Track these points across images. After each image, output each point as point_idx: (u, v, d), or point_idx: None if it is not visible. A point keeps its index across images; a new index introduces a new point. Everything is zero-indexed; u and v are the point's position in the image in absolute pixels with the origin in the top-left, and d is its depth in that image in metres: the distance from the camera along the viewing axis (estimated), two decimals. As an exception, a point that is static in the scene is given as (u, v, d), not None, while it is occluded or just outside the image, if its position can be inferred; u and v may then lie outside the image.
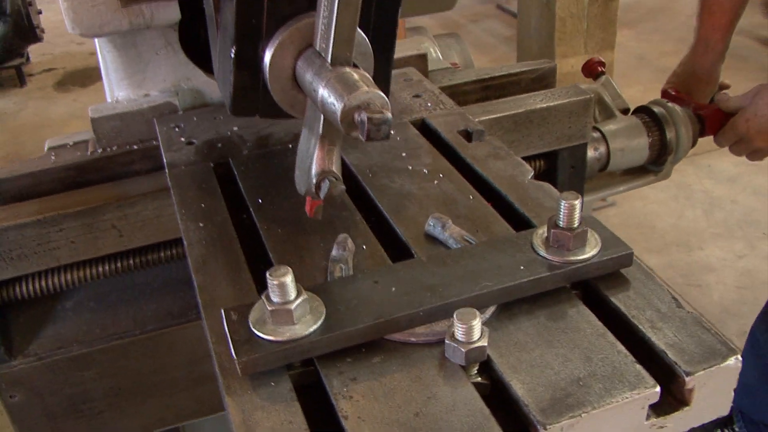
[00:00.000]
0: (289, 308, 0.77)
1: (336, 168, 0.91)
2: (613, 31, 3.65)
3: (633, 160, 1.67)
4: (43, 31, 5.29)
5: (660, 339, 0.79)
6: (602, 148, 1.64)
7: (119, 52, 1.35)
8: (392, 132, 0.79)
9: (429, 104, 1.34)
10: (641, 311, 0.83)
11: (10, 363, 1.36)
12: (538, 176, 1.61)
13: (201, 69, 1.43)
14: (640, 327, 0.81)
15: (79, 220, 1.26)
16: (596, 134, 1.65)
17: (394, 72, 1.43)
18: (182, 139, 1.27)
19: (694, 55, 1.83)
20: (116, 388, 1.46)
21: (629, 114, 1.73)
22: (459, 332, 0.76)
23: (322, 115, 0.88)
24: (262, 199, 1.08)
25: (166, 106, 1.39)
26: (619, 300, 0.85)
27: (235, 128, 1.29)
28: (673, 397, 0.77)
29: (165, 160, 1.21)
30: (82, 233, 1.27)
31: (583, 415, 0.71)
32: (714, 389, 0.77)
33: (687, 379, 0.75)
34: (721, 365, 0.76)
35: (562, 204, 0.85)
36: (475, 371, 0.79)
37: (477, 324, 0.75)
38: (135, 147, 1.38)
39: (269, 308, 0.77)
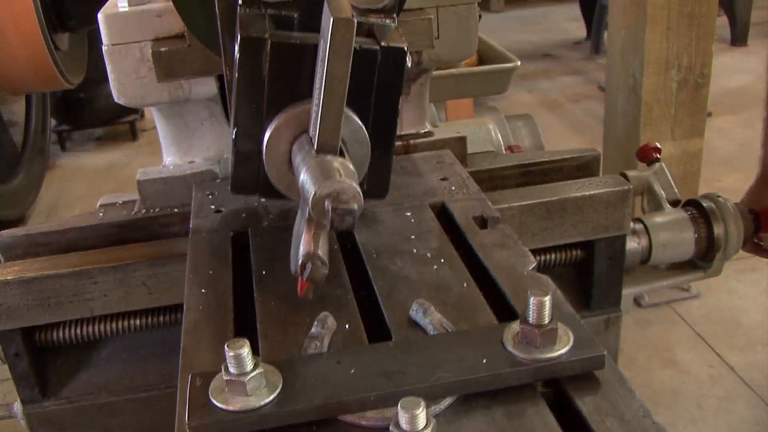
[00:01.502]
0: (243, 380, 0.80)
1: (322, 252, 0.93)
2: (702, 118, 3.55)
3: (677, 254, 1.61)
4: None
5: (614, 450, 0.76)
6: (644, 241, 1.60)
7: (167, 121, 1.45)
8: (356, 219, 0.84)
9: (453, 188, 1.35)
10: (603, 416, 0.80)
11: (42, 403, 1.44)
12: (574, 265, 1.59)
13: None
14: (597, 434, 0.78)
15: (111, 275, 1.34)
16: (638, 225, 1.61)
17: (428, 153, 1.47)
18: (212, 206, 1.34)
19: (760, 186, 1.76)
20: (139, 439, 1.51)
21: (679, 206, 1.68)
22: (402, 421, 0.76)
23: None
24: (266, 271, 1.12)
25: (208, 173, 1.47)
26: (583, 403, 0.83)
27: (263, 200, 1.35)
28: None
29: (191, 226, 1.28)
30: (114, 287, 1.36)
31: None
32: None
33: (636, 497, 0.72)
34: (674, 485, 0.72)
35: (531, 300, 0.84)
36: (420, 463, 0.78)
37: (421, 414, 0.75)
38: (176, 210, 1.47)
39: (225, 378, 0.80)
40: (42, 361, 1.46)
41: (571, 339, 0.86)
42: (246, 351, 0.80)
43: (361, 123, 0.99)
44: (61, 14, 4.23)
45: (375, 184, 1.06)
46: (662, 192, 1.72)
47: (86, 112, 5.81)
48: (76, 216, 1.50)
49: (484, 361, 0.84)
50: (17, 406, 1.49)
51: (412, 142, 1.55)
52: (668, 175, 1.77)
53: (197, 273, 1.13)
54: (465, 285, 1.05)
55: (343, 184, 0.84)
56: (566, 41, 8.13)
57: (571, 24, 8.45)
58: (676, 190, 1.74)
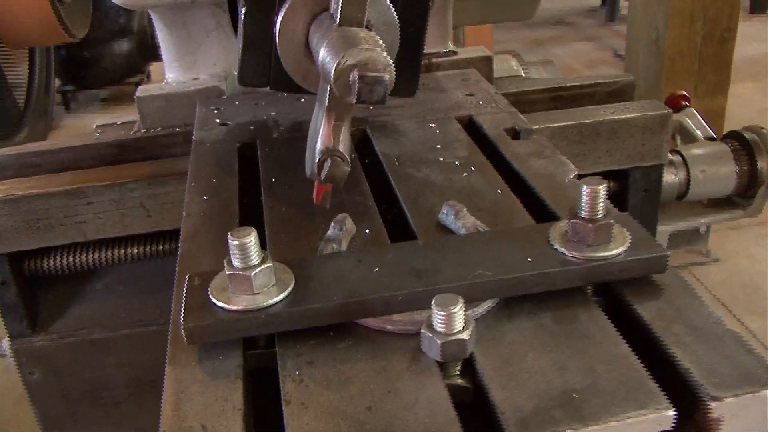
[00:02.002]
0: (249, 274, 0.68)
1: (343, 147, 0.81)
2: (727, 75, 3.40)
3: (717, 189, 1.49)
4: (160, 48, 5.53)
5: (686, 356, 0.64)
6: (682, 174, 1.47)
7: (170, 31, 1.33)
8: (388, 95, 0.70)
9: (481, 102, 1.23)
10: (669, 323, 0.68)
11: (31, 338, 1.34)
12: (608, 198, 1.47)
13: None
14: (664, 340, 0.66)
15: (106, 195, 1.23)
16: (676, 157, 1.48)
17: (452, 72, 1.34)
18: (217, 120, 1.22)
19: None
20: (137, 379, 1.41)
21: (718, 140, 1.56)
22: (437, 321, 0.64)
23: (329, 86, 0.79)
24: (276, 179, 1.01)
25: (213, 90, 1.35)
26: (644, 309, 0.71)
27: (273, 113, 1.23)
28: (696, 428, 0.62)
29: (194, 138, 1.16)
30: (109, 209, 1.24)
31: (569, 431, 0.58)
32: (748, 423, 0.61)
33: (713, 405, 0.60)
34: (760, 394, 0.60)
35: (583, 190, 0.73)
36: (457, 371, 0.67)
37: (459, 312, 0.64)
38: (178, 129, 1.35)
39: (228, 273, 0.69)
40: (32, 292, 1.36)
41: (628, 238, 0.74)
42: (252, 240, 0.68)
43: (389, 4, 0.86)
44: (65, -34, 4.10)
45: (402, 80, 0.94)
46: (697, 131, 1.59)
47: (91, 72, 5.67)
48: (70, 136, 1.39)
49: (529, 260, 0.72)
50: (5, 344, 1.38)
51: (434, 60, 1.42)
52: (699, 117, 1.65)
53: (199, 181, 1.02)
54: (499, 191, 0.93)
55: (372, 52, 0.71)
56: (581, 8, 7.93)
57: (587, -9, 8.24)
58: (709, 128, 1.62)
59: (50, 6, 3.71)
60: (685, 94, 1.63)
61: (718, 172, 1.48)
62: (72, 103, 5.99)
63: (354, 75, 0.70)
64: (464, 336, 0.64)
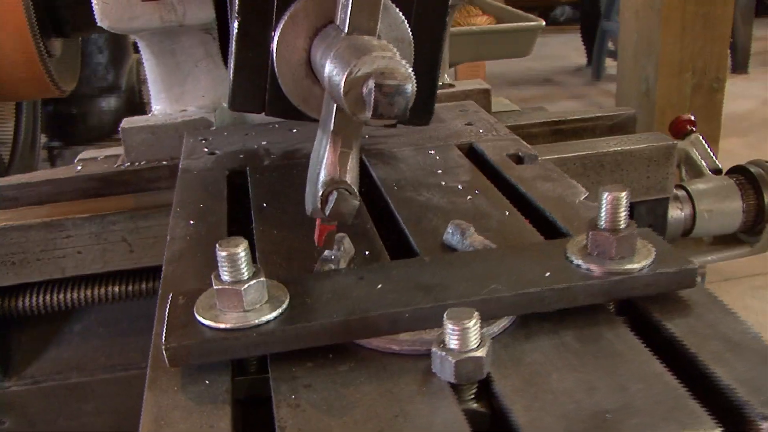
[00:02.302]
0: (239, 289, 0.61)
1: (351, 178, 0.71)
2: (717, 125, 3.41)
3: (723, 226, 1.44)
4: (148, 104, 5.53)
5: (727, 373, 0.58)
6: (687, 209, 1.43)
7: (157, 61, 1.29)
8: (408, 111, 0.62)
9: (481, 131, 1.19)
10: (704, 339, 0.62)
11: (2, 384, 1.25)
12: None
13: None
14: (701, 358, 0.60)
15: (86, 228, 1.16)
16: (681, 192, 1.44)
17: (449, 104, 1.30)
18: (205, 149, 1.17)
19: None
20: (116, 427, 1.32)
21: (722, 174, 1.52)
22: (450, 337, 0.57)
23: (335, 106, 0.70)
24: (267, 203, 0.95)
25: (201, 122, 1.30)
26: (674, 325, 0.64)
27: (264, 143, 1.18)
28: (743, 452, 0.55)
29: (180, 166, 1.10)
30: (89, 243, 1.17)
31: (604, 456, 0.50)
32: (802, 448, 0.54)
33: (764, 426, 0.53)
34: (814, 414, 0.54)
35: (604, 198, 0.67)
36: (472, 395, 0.60)
37: (474, 327, 0.57)
38: (164, 163, 1.29)
39: (216, 288, 0.62)
40: (4, 334, 1.27)
41: (653, 251, 0.68)
42: (243, 251, 0.62)
43: (402, 17, 0.80)
44: (54, 19, 4.10)
45: (416, 106, 0.86)
46: (702, 161, 1.56)
47: (78, 128, 5.64)
48: (50, 169, 1.33)
49: (547, 275, 0.66)
50: (-24, 390, 1.29)
51: (430, 93, 1.38)
52: (705, 145, 1.61)
53: (185, 206, 0.95)
54: (506, 213, 0.88)
55: (389, 60, 0.61)
56: (567, 68, 8.04)
57: (571, 52, 8.37)
58: (715, 159, 1.58)
59: (39, 59, 3.70)
60: (691, 117, 1.59)
61: (724, 208, 1.43)
62: (58, 159, 5.94)
63: (369, 85, 0.61)
64: (480, 353, 0.57)
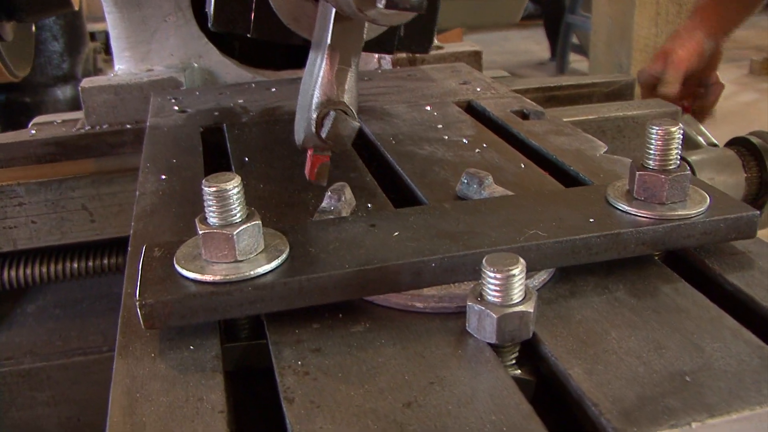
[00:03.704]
0: (230, 233, 0.50)
1: (349, 99, 0.63)
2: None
3: (727, 197, 1.37)
4: (108, 93, 5.33)
5: (814, 329, 0.49)
6: (689, 180, 1.35)
7: (121, 14, 1.16)
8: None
9: (478, 89, 1.09)
10: (775, 292, 0.53)
11: (-53, 370, 1.11)
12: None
13: (216, 47, 1.23)
14: (779, 312, 0.51)
15: (42, 195, 1.04)
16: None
17: (440, 65, 1.21)
18: (175, 108, 1.05)
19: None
20: (75, 419, 1.19)
21: (722, 146, 1.44)
22: (489, 287, 0.47)
23: (332, 16, 0.62)
24: (249, 158, 0.84)
25: (170, 82, 1.18)
26: (738, 279, 0.55)
27: (240, 101, 1.07)
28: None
29: (147, 124, 0.98)
30: (45, 212, 1.05)
31: (693, 425, 0.41)
32: None
33: None
34: None
35: (654, 132, 0.58)
36: (512, 360, 0.50)
37: (519, 275, 0.47)
38: (128, 126, 1.17)
39: (201, 232, 0.51)
40: (-52, 317, 1.14)
41: (706, 196, 0.60)
42: (235, 187, 0.51)
43: None
44: (5, 2, 3.90)
45: (415, 31, 0.78)
46: (699, 137, 1.48)
47: (32, 118, 5.43)
48: (1, 134, 1.20)
49: (591, 221, 0.57)
50: None
51: (418, 55, 1.28)
52: (699, 124, 1.54)
53: (155, 162, 0.84)
54: (522, 165, 0.78)
55: None
56: (530, 62, 8.00)
57: (534, 46, 8.33)
58: (710, 136, 1.51)
59: (-12, 42, 3.52)
60: (685, 104, 1.52)
61: (726, 180, 1.36)
62: (11, 149, 5.70)
63: None
64: (526, 308, 0.47)
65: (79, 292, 1.19)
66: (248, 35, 0.74)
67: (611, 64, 3.37)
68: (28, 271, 1.11)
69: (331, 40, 0.62)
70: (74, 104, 5.66)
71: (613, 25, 3.35)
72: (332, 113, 0.62)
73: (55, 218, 1.05)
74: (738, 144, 1.40)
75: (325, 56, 0.63)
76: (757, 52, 5.43)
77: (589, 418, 0.43)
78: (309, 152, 0.66)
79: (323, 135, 0.62)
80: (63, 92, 5.87)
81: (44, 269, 1.12)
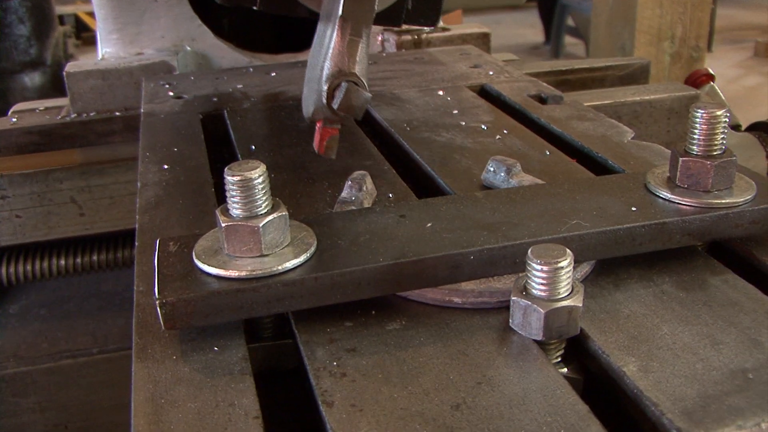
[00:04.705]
0: (255, 226, 0.47)
1: (360, 71, 0.61)
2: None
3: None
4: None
5: None
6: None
7: (110, -5, 1.11)
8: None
9: (491, 73, 1.06)
10: (834, 285, 0.50)
11: (-71, 372, 1.06)
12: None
13: (210, 29, 1.18)
14: (840, 305, 0.48)
15: (27, 187, 0.99)
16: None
17: (447, 48, 1.18)
18: (170, 93, 1.00)
19: None
20: (62, 426, 1.13)
21: (742, 131, 1.43)
22: (535, 281, 0.44)
23: None
24: (256, 146, 0.80)
25: (161, 66, 1.13)
26: (790, 270, 0.53)
27: (240, 86, 1.02)
28: None
29: (142, 110, 0.94)
30: (30, 205, 1.00)
31: (763, 425, 0.38)
32: None
33: None
34: None
35: (699, 116, 0.55)
36: (557, 357, 0.47)
37: (567, 268, 0.44)
38: (117, 114, 1.12)
39: (224, 224, 0.47)
40: (-69, 314, 1.08)
41: (753, 185, 0.57)
42: (260, 176, 0.47)
43: None
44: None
45: (423, 3, 0.75)
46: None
47: None
48: (-22, 122, 1.14)
49: (633, 210, 0.54)
50: None
51: (424, 36, 1.24)
52: (722, 95, 1.52)
53: (155, 151, 0.79)
54: (547, 152, 0.75)
55: None
56: (524, 46, 7.93)
57: (527, 30, 8.28)
58: (733, 113, 1.49)
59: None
60: (709, 71, 1.49)
61: (746, 165, 1.34)
62: (-21, 139, 5.58)
63: None
64: (575, 302, 0.44)
65: (66, 291, 1.14)
66: (254, 8, 0.70)
67: (612, 46, 3.33)
68: (11, 269, 1.06)
69: (343, 10, 0.60)
70: (43, 92, 5.53)
71: (615, 5, 3.30)
72: (344, 84, 0.60)
73: (42, 212, 1.00)
74: (758, 129, 1.39)
75: (336, 27, 0.60)
76: (761, 33, 5.39)
77: (647, 418, 0.40)
78: (318, 125, 0.63)
79: (335, 106, 0.60)
80: (31, 79, 5.72)
81: (29, 267, 1.07)
